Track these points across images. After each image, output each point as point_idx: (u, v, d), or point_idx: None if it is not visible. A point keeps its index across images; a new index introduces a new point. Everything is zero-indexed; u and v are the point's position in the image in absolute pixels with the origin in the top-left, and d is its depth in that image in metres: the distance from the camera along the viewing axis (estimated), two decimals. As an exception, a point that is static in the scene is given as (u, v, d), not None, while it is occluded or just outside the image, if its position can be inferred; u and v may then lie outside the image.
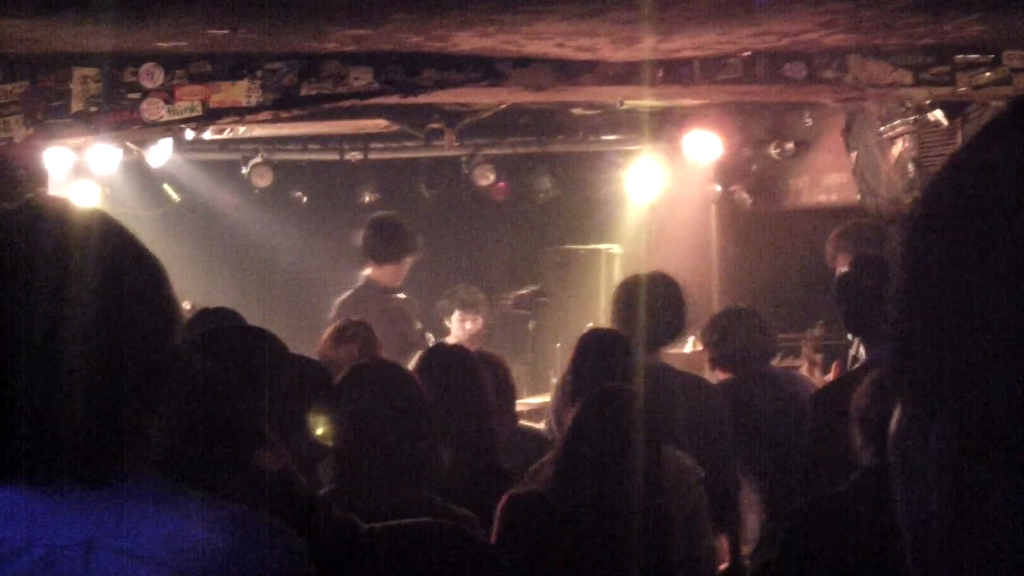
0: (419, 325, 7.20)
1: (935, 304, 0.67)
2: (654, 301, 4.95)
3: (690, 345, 8.42)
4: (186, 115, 6.79)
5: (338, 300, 7.15)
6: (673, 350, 7.85)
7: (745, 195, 9.64)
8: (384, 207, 10.22)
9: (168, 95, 6.74)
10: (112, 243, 1.55)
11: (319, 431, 2.99)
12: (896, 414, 0.72)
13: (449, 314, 8.15)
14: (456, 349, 4.72)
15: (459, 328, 8.06)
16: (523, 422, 6.76)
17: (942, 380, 0.66)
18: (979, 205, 0.66)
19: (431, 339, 7.53)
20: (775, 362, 6.15)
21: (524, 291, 8.13)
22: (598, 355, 4.44)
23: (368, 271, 7.23)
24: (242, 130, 8.86)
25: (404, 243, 7.19)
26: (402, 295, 7.29)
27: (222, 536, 1.51)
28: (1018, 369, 0.63)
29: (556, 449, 3.78)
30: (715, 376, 5.78)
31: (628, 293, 5.08)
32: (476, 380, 4.18)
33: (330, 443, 3.12)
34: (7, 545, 1.46)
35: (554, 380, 7.37)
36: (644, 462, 3.61)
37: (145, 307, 1.53)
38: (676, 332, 5.11)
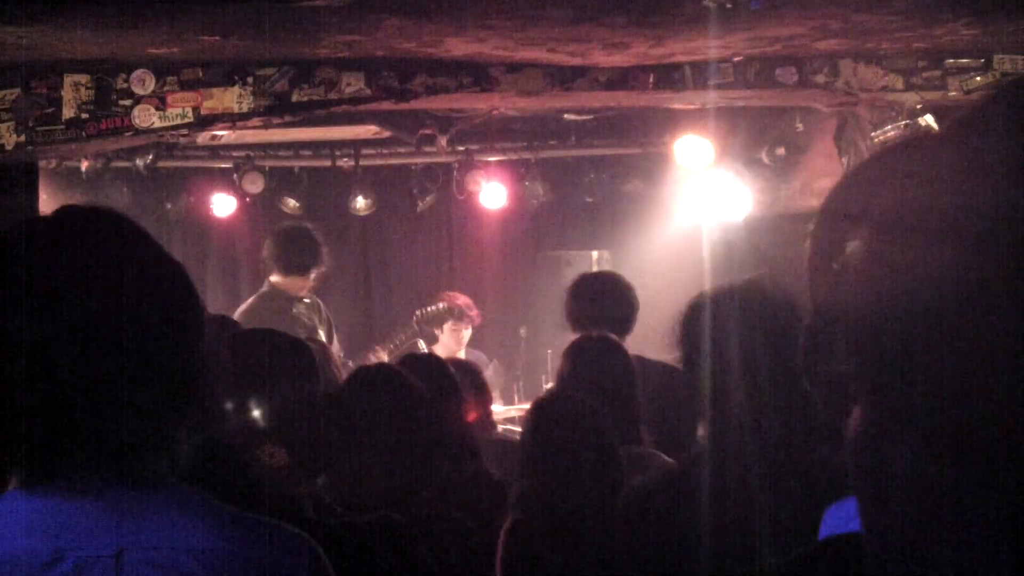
0: (322, 334, 7.12)
1: (912, 313, 0.66)
2: (593, 298, 5.18)
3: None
4: (178, 121, 6.79)
5: (241, 308, 7.09)
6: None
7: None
8: (376, 213, 10.23)
9: (160, 102, 6.74)
10: (141, 251, 1.55)
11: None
12: (856, 414, 0.71)
13: (442, 323, 8.12)
14: (430, 357, 4.74)
15: (452, 338, 8.04)
16: (511, 427, 6.77)
17: (916, 390, 0.66)
18: (968, 205, 0.65)
19: (420, 344, 7.52)
20: None
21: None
22: (593, 361, 4.43)
23: (273, 278, 7.16)
24: (233, 136, 8.85)
25: (314, 256, 7.14)
26: (307, 300, 7.25)
27: (251, 549, 1.51)
28: (1003, 381, 0.62)
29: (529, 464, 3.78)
30: None
31: (586, 289, 5.27)
32: (452, 388, 4.19)
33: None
34: (37, 557, 1.45)
35: (547, 386, 7.36)
36: (600, 465, 3.62)
37: (173, 315, 1.53)
38: (624, 326, 5.23)
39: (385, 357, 7.69)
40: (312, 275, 7.14)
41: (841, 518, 1.09)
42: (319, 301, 7.39)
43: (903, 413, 0.66)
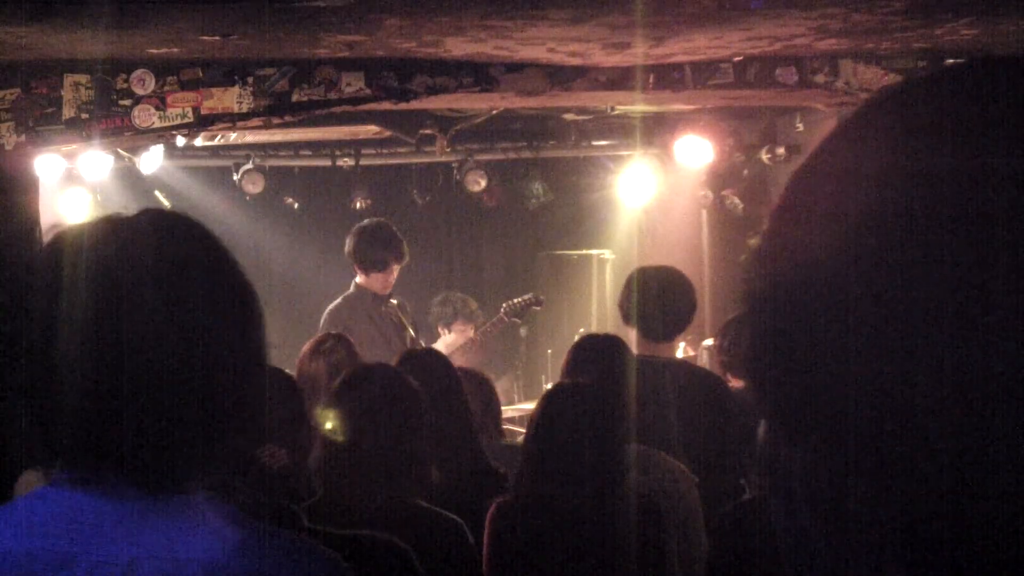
0: (411, 332, 7.21)
1: (789, 326, 0.67)
2: (656, 294, 5.01)
3: (681, 350, 8.43)
4: (178, 121, 6.79)
5: (328, 308, 7.20)
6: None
7: (737, 200, 9.64)
8: (376, 213, 10.23)
9: (160, 101, 6.74)
10: (212, 265, 1.55)
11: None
12: (762, 426, 0.71)
13: (451, 323, 8.14)
14: (433, 353, 4.75)
15: (457, 337, 8.07)
16: (510, 427, 6.77)
17: (799, 407, 0.66)
18: (837, 215, 0.66)
19: (420, 343, 7.54)
20: None
21: (517, 299, 8.10)
22: (594, 360, 4.44)
23: (358, 279, 7.27)
24: (233, 136, 8.85)
25: (390, 250, 7.21)
26: (394, 301, 7.31)
27: (267, 566, 1.48)
28: (876, 392, 0.63)
29: (524, 452, 3.80)
30: (736, 382, 5.78)
31: (631, 287, 5.13)
32: (455, 382, 4.20)
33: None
34: (52, 558, 1.45)
35: (547, 386, 7.36)
36: (602, 456, 3.62)
37: (232, 332, 1.52)
38: (681, 325, 5.13)
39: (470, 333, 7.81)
40: (394, 270, 7.21)
41: None
42: (404, 301, 7.46)
43: (799, 421, 0.66)
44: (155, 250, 1.51)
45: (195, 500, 1.52)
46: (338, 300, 7.26)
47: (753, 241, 0.71)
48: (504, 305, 8.11)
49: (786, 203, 0.69)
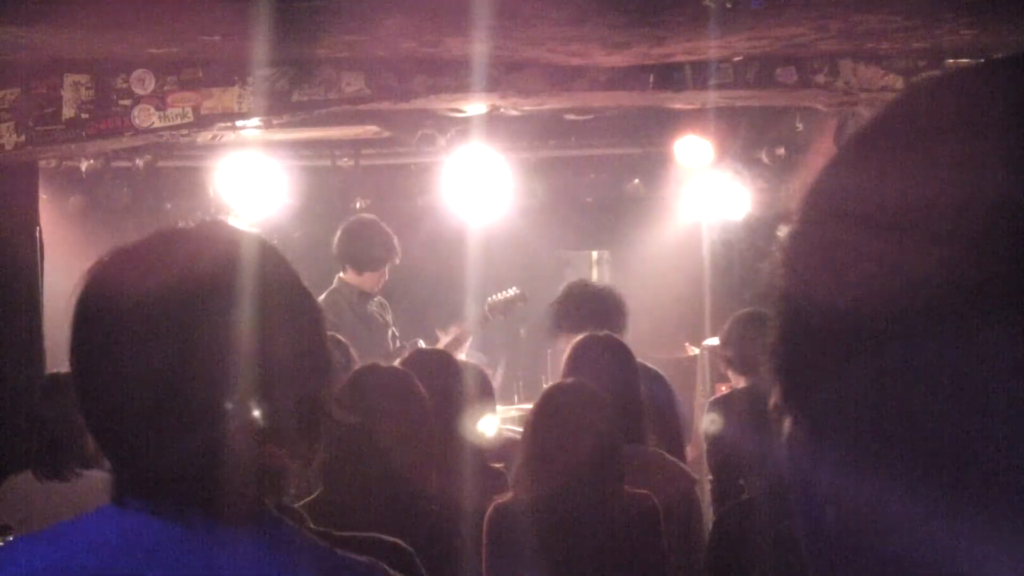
0: (393, 331, 7.15)
1: (815, 331, 0.67)
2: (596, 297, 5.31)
3: (684, 349, 8.43)
4: (177, 122, 6.78)
5: None
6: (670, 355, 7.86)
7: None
8: (376, 213, 10.22)
9: (160, 102, 6.73)
10: (278, 283, 1.52)
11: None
12: (787, 424, 0.72)
13: (445, 324, 8.12)
14: (436, 352, 4.75)
15: (449, 336, 8.06)
16: (511, 427, 6.78)
17: (813, 404, 0.67)
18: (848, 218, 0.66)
19: (420, 343, 7.52)
20: None
21: (500, 296, 7.97)
22: (594, 360, 4.44)
23: (343, 275, 7.16)
24: (233, 136, 8.84)
25: (388, 250, 7.15)
26: (378, 299, 7.24)
27: None
28: (878, 391, 0.63)
29: (522, 452, 3.80)
30: (737, 381, 5.79)
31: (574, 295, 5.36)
32: (458, 383, 4.21)
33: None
34: None
35: (546, 386, 7.36)
36: (600, 456, 3.61)
37: (299, 353, 1.50)
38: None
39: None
40: (386, 269, 7.12)
41: None
42: (384, 300, 7.37)
43: (816, 418, 0.66)
44: (213, 266, 1.47)
45: (264, 523, 1.50)
46: (322, 296, 7.16)
47: (780, 233, 0.72)
48: (487, 303, 7.96)
49: (803, 204, 0.70)
